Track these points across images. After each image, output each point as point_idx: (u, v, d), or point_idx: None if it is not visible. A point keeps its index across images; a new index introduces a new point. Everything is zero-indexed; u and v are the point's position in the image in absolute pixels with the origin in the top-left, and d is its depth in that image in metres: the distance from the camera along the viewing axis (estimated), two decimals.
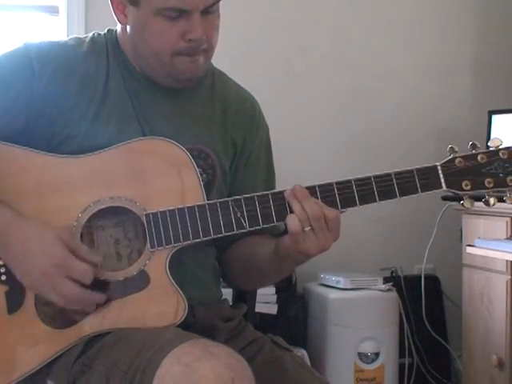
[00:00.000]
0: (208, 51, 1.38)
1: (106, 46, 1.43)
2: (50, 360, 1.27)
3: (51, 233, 1.24)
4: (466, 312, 2.85)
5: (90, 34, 1.45)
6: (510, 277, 2.56)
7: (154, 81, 1.41)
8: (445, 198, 2.91)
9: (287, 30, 3.25)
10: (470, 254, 2.41)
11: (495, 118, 2.98)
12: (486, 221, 2.67)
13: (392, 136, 3.32)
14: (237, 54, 3.09)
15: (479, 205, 2.80)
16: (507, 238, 2.44)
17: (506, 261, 2.53)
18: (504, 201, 1.31)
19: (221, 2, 1.37)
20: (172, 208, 1.28)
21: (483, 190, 1.31)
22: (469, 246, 2.33)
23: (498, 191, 1.31)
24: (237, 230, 1.28)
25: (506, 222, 2.55)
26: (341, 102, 3.31)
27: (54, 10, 3.12)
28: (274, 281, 1.51)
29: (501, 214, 2.58)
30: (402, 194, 1.30)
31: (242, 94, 1.54)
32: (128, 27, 1.39)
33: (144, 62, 1.40)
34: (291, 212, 1.27)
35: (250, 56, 3.18)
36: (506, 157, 1.30)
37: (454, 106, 3.39)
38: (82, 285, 1.23)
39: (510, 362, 2.56)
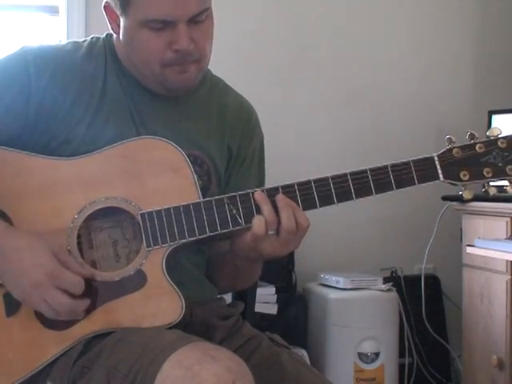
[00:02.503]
0: (200, 61, 1.36)
1: (104, 51, 1.43)
2: (49, 362, 1.27)
3: (42, 245, 1.24)
4: (466, 312, 2.85)
5: (88, 38, 1.46)
6: (509, 277, 2.56)
7: (149, 89, 1.41)
8: (445, 198, 2.91)
9: (286, 29, 3.24)
10: (469, 254, 2.41)
11: (495, 117, 2.98)
12: (486, 221, 2.67)
13: (391, 136, 3.32)
14: (236, 53, 3.10)
15: (479, 205, 2.79)
16: (507, 238, 2.44)
17: (506, 261, 2.52)
18: (505, 191, 1.29)
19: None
20: (167, 207, 1.28)
21: (482, 180, 1.29)
22: (469, 245, 2.32)
23: (498, 181, 1.28)
24: (233, 227, 1.28)
25: (506, 222, 2.55)
26: (340, 101, 3.30)
27: (53, 10, 3.12)
28: (236, 282, 1.50)
29: (501, 214, 2.58)
30: (399, 186, 1.29)
31: (239, 101, 1.54)
32: (120, 36, 1.39)
33: (137, 71, 1.40)
34: (258, 213, 1.27)
35: (249, 56, 3.18)
36: (504, 146, 1.28)
37: (454, 105, 3.39)
38: (73, 295, 1.22)
39: (510, 361, 2.56)
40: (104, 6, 1.39)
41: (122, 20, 1.36)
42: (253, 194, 1.29)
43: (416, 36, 3.39)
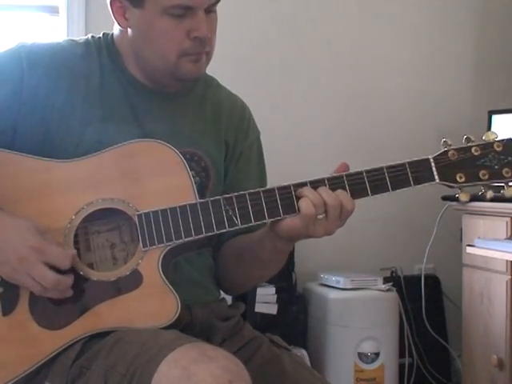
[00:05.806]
0: (209, 53, 1.39)
1: (101, 49, 1.43)
2: (45, 361, 1.26)
3: (25, 221, 1.25)
4: (466, 312, 2.85)
5: (85, 37, 1.46)
6: (510, 277, 2.56)
7: (147, 86, 1.42)
8: (445, 198, 2.91)
9: (286, 31, 3.25)
10: (469, 254, 2.41)
11: (495, 117, 2.98)
12: (486, 221, 2.67)
13: (392, 137, 3.32)
14: (237, 56, 3.10)
15: (479, 205, 2.79)
16: (507, 238, 2.44)
17: (506, 261, 2.53)
18: (502, 194, 1.30)
19: (220, 5, 1.38)
20: (164, 207, 1.28)
21: (478, 182, 1.29)
22: (469, 245, 2.33)
23: (495, 184, 1.29)
24: (228, 227, 1.28)
25: (506, 222, 2.55)
26: (341, 102, 3.31)
27: (54, 10, 3.12)
28: (270, 266, 1.46)
29: (501, 214, 2.58)
30: (395, 188, 1.29)
31: (232, 99, 1.55)
32: (129, 30, 1.39)
33: (147, 64, 1.40)
34: (302, 197, 1.26)
35: (249, 58, 3.18)
36: (500, 149, 1.28)
37: (454, 105, 3.39)
38: (59, 271, 1.23)
39: (510, 361, 2.56)
40: (110, 1, 1.39)
41: (134, 12, 1.36)
42: (249, 194, 1.28)
43: (416, 36, 3.39)
